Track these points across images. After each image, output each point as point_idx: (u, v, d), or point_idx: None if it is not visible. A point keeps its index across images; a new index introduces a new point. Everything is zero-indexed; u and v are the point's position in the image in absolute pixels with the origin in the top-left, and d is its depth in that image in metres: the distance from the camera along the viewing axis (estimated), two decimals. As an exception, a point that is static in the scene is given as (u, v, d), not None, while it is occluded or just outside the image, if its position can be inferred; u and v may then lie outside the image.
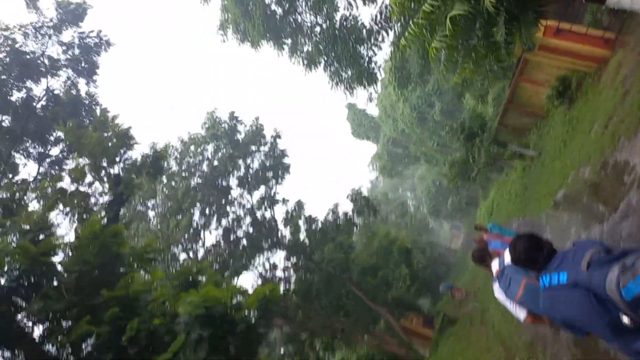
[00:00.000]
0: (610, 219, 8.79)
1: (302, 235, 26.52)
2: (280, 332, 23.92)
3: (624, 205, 8.25)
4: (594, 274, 2.59)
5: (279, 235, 26.73)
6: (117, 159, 15.00)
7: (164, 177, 24.27)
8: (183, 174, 25.56)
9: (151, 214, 25.13)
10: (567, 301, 2.78)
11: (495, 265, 4.85)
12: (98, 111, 18.89)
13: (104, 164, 14.86)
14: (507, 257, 4.47)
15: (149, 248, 11.19)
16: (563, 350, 7.86)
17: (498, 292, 4.40)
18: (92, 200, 15.23)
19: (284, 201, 27.32)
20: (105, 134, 15.10)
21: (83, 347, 9.21)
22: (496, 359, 13.12)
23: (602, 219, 9.16)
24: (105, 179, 14.84)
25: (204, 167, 25.71)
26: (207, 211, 26.54)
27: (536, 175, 17.90)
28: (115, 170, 14.59)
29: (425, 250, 39.29)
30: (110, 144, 14.98)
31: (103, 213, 13.82)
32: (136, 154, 21.48)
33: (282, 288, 26.41)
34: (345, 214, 25.83)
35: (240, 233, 26.40)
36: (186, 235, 23.47)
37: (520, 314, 4.28)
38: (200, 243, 25.53)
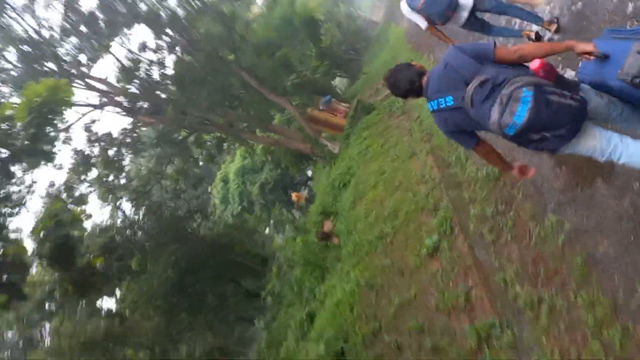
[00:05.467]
0: None
1: (175, 4, 19.44)
2: (152, 132, 18.78)
3: None
4: (478, 112, 2.61)
5: (143, 5, 19.46)
6: None
7: None
8: None
9: None
10: (455, 117, 2.84)
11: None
12: None
13: None
14: None
15: None
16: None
17: (404, 6, 4.82)
18: None
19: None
20: None
21: None
22: (423, 169, 8.92)
23: None
24: None
25: None
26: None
27: None
28: None
29: (341, 23, 33.44)
30: None
31: None
32: None
33: (158, 73, 20.54)
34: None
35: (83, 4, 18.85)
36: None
37: (421, 22, 4.78)
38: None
